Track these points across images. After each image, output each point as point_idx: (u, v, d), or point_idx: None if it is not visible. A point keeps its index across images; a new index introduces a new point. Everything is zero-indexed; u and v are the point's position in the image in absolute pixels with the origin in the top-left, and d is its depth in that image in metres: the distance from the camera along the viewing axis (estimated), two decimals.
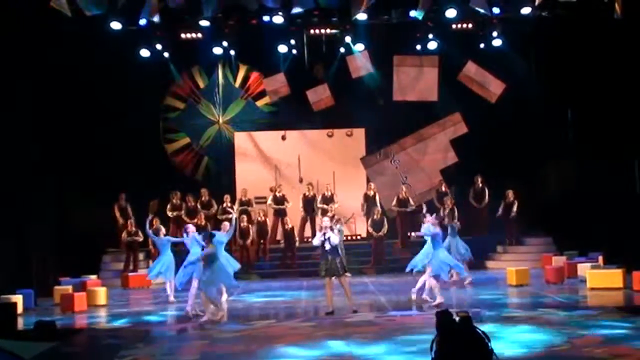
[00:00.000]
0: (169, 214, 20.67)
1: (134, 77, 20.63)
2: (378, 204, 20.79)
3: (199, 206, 20.82)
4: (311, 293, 16.56)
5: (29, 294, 15.77)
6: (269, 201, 21.15)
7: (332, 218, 14.13)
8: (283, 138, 22.58)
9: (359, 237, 21.46)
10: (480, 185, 20.84)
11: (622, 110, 17.73)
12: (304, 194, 21.19)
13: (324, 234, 13.07)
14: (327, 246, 13.04)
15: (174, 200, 20.84)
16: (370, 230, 20.50)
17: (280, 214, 21.09)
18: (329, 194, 21.09)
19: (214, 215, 20.74)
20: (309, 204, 21.10)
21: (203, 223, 20.12)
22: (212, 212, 20.80)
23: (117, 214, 20.39)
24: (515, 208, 20.23)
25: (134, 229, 19.79)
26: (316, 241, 13.32)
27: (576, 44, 19.19)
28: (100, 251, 20.59)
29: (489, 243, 20.35)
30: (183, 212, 20.71)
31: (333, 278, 13.22)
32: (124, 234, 19.80)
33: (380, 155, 22.20)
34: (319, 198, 21.09)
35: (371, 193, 21.07)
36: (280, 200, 21.12)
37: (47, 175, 18.02)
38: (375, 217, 20.42)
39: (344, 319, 12.72)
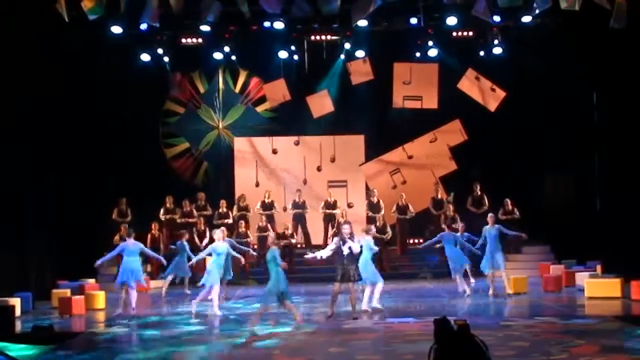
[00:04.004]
0: (162, 217, 20.77)
1: (134, 81, 20.70)
2: (382, 211, 20.83)
3: (194, 210, 20.89)
4: (309, 299, 16.57)
5: (27, 296, 15.77)
6: (257, 206, 21.15)
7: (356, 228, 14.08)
8: (296, 143, 22.81)
9: None
10: (479, 192, 20.87)
11: (623, 119, 17.74)
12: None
13: (344, 241, 13.05)
14: (346, 252, 13.01)
15: (168, 205, 20.91)
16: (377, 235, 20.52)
17: (268, 219, 21.08)
18: (332, 200, 21.17)
19: (209, 219, 20.86)
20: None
21: (203, 228, 20.23)
22: (205, 214, 20.90)
23: (116, 217, 20.39)
24: (517, 213, 20.20)
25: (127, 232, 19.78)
26: (330, 249, 13.29)
27: (576, 52, 19.23)
28: (98, 255, 20.52)
29: None
30: (177, 215, 20.81)
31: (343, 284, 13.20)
32: (116, 237, 19.76)
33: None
34: (321, 204, 21.15)
35: (375, 200, 21.09)
36: (268, 206, 21.14)
37: (46, 179, 18.01)
38: (377, 223, 20.45)
39: (342, 325, 12.72)
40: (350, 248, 13.00)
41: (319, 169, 22.62)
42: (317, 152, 22.63)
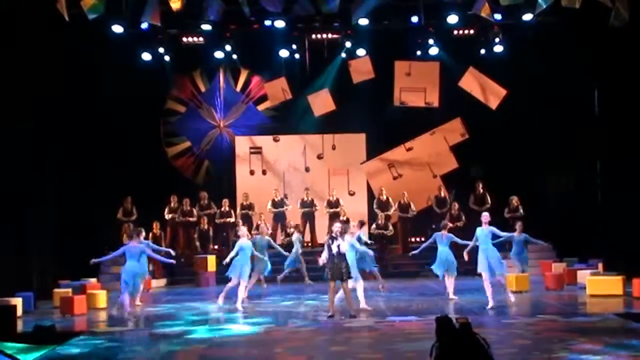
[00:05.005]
0: (167, 216, 20.81)
1: (136, 81, 20.68)
2: (391, 209, 20.85)
3: (194, 209, 20.91)
4: (311, 297, 16.57)
5: (29, 296, 15.77)
6: (269, 206, 21.20)
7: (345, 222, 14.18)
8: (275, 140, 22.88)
9: None
10: (482, 191, 20.89)
11: (625, 116, 17.74)
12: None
13: (334, 238, 13.13)
14: (335, 250, 13.09)
15: (172, 204, 20.95)
16: (375, 232, 20.51)
17: (279, 218, 21.13)
18: (334, 199, 21.20)
19: (212, 218, 20.90)
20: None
21: (206, 227, 20.25)
22: (208, 213, 20.94)
23: (121, 216, 20.40)
24: (521, 211, 20.19)
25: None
26: (326, 251, 13.41)
27: (577, 50, 19.23)
28: (100, 254, 20.52)
29: None
30: (178, 214, 20.84)
31: (337, 282, 13.27)
32: (124, 237, 19.80)
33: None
34: (324, 203, 21.18)
35: (384, 198, 21.11)
36: (279, 204, 21.20)
37: (47, 177, 18.02)
38: (379, 221, 20.45)
39: (344, 324, 12.73)
40: (338, 246, 13.08)
41: (319, 156, 22.64)
42: (319, 149, 22.70)
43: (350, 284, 13.92)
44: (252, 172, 22.63)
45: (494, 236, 14.83)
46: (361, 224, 16.11)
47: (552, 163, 21.06)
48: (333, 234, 13.20)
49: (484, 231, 14.70)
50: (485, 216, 14.96)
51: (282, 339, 11.57)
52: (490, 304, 14.04)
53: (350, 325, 12.63)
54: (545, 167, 21.26)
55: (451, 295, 15.57)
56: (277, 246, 17.73)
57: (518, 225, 17.42)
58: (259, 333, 12.18)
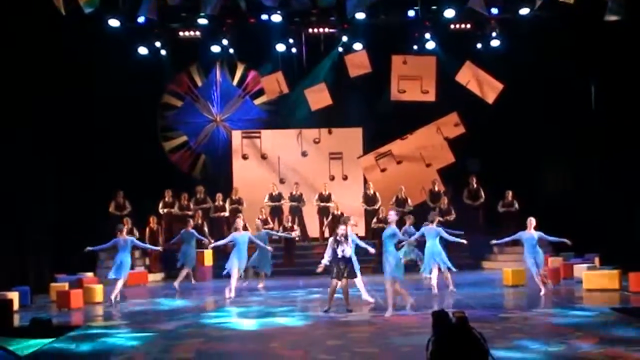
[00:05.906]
0: (161, 211, 20.78)
1: (132, 75, 20.65)
2: (378, 203, 20.84)
3: (191, 204, 20.88)
4: (308, 292, 16.58)
5: (25, 290, 15.76)
6: (265, 199, 21.18)
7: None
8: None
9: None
10: (475, 185, 20.89)
11: (622, 111, 17.74)
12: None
13: (339, 242, 13.24)
14: (340, 254, 13.26)
15: (167, 198, 20.91)
16: (376, 227, 20.48)
17: (276, 212, 21.12)
18: (326, 193, 21.16)
19: (206, 212, 20.99)
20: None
21: (200, 221, 20.20)
22: (204, 207, 20.99)
23: (113, 210, 20.36)
24: (516, 205, 20.21)
25: (129, 226, 19.77)
26: (329, 254, 13.44)
27: (573, 44, 19.22)
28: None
29: (484, 243, 20.32)
30: (175, 209, 20.79)
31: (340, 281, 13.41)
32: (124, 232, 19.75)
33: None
34: (315, 197, 21.16)
35: (371, 192, 21.10)
36: (276, 198, 21.17)
37: (44, 172, 18.01)
38: (380, 216, 20.44)
39: (340, 319, 12.74)
40: (343, 251, 13.23)
41: (315, 141, 22.64)
42: (316, 145, 22.70)
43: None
44: (244, 157, 22.51)
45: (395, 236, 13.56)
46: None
47: (549, 157, 21.06)
48: (338, 238, 13.31)
49: (386, 231, 13.53)
50: (391, 215, 13.76)
51: (278, 333, 11.57)
52: (389, 312, 13.06)
53: (346, 319, 12.65)
54: (542, 162, 21.25)
55: (451, 287, 15.61)
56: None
57: (529, 221, 15.68)
58: (256, 327, 12.19)
